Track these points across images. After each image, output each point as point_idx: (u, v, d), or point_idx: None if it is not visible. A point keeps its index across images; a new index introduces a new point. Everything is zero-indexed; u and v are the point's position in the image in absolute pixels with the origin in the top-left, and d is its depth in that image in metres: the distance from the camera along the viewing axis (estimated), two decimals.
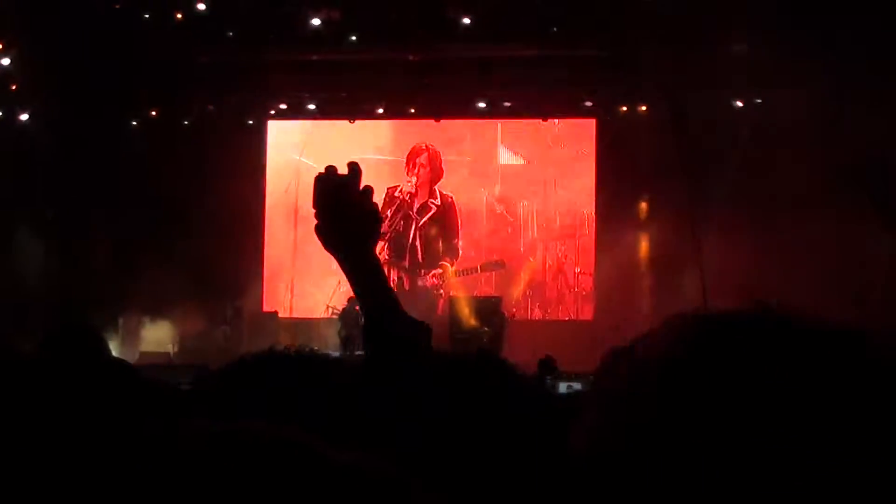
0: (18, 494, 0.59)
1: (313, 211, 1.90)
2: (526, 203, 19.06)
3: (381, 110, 18.92)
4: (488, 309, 17.16)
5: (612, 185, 17.75)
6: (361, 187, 1.87)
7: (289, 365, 2.18)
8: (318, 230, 1.89)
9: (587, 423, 0.78)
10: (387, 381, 1.75)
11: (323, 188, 1.88)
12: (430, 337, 1.88)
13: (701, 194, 15.72)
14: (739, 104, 16.25)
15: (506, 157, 19.15)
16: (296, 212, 19.30)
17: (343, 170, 1.88)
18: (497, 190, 19.15)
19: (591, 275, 18.61)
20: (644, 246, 17.68)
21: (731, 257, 14.37)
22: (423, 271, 19.24)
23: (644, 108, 17.50)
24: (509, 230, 19.11)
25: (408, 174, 19.49)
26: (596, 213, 18.45)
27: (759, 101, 15.98)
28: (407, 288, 19.11)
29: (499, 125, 18.85)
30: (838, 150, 13.60)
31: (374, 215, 1.89)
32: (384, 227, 19.42)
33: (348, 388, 2.28)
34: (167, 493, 0.57)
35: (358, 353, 16.14)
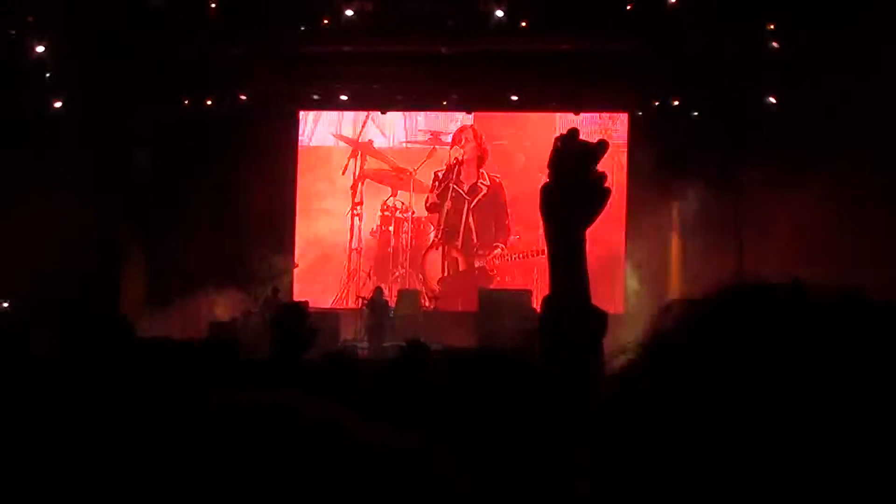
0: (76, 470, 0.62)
1: (549, 171, 1.80)
2: None
3: (413, 103, 18.96)
4: (517, 303, 16.40)
5: (643, 178, 17.57)
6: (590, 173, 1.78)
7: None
8: (550, 191, 1.80)
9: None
10: (558, 376, 1.69)
11: (568, 150, 1.79)
12: (606, 328, 1.77)
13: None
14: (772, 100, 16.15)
15: None
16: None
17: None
18: None
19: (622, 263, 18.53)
20: (675, 237, 17.68)
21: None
22: (479, 252, 19.35)
23: (677, 102, 17.41)
24: None
25: (455, 148, 19.69)
26: (627, 206, 18.23)
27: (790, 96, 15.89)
28: (462, 269, 19.19)
29: (557, 116, 18.71)
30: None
31: (604, 197, 1.79)
32: (433, 199, 19.46)
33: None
34: (197, 460, 0.59)
35: (385, 344, 16.16)
